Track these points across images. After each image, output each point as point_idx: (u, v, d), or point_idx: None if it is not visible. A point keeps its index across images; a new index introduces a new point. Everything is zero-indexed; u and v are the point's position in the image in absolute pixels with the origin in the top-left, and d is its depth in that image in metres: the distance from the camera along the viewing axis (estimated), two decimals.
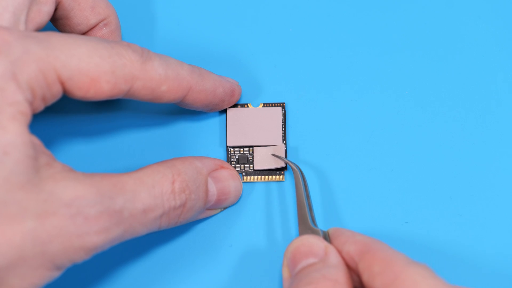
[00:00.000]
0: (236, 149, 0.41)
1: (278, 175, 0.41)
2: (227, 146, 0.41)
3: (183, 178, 0.35)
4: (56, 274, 0.31)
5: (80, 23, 0.38)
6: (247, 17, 0.43)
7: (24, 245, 0.29)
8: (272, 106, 0.42)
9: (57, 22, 0.38)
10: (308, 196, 0.39)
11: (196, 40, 0.43)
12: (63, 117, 0.42)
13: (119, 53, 0.33)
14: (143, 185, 0.33)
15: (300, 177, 0.39)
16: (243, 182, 0.41)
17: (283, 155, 0.40)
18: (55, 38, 0.31)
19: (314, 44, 0.43)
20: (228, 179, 0.38)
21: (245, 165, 0.41)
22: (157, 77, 0.34)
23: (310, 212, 0.38)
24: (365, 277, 0.32)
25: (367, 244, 0.33)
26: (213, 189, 0.37)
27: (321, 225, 0.40)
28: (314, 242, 0.35)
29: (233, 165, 0.41)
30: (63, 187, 0.30)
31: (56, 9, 0.37)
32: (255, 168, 0.40)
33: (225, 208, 0.40)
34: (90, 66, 0.32)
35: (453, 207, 0.40)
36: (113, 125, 0.42)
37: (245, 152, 0.41)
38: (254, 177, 0.41)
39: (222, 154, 0.41)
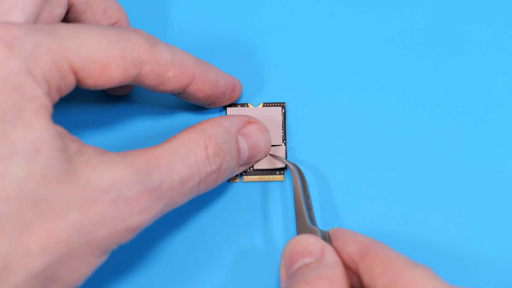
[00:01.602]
0: None
1: (277, 174, 0.41)
2: None
3: (215, 141, 0.35)
4: (103, 258, 0.31)
5: None
6: (247, 17, 0.43)
7: (71, 239, 0.29)
8: (272, 105, 0.42)
9: None
10: (306, 195, 0.39)
11: (198, 40, 0.43)
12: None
13: (127, 38, 0.33)
14: (177, 155, 0.33)
15: (297, 177, 0.39)
16: (242, 182, 0.41)
17: (284, 156, 0.40)
18: (63, 28, 0.31)
19: (314, 44, 0.43)
20: (257, 134, 0.38)
21: None
22: (164, 62, 0.34)
23: (309, 211, 0.38)
24: (366, 278, 0.32)
25: (367, 245, 0.33)
26: (244, 146, 0.37)
27: (320, 225, 0.40)
28: (310, 241, 0.35)
29: None
30: (100, 172, 0.30)
31: (68, 12, 0.37)
32: (255, 168, 0.40)
33: (257, 161, 0.40)
34: (100, 52, 0.32)
35: (453, 207, 0.40)
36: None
37: None
38: (254, 176, 0.41)
39: None
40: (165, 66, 0.35)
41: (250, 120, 0.38)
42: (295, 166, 0.39)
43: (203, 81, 0.37)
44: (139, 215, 0.31)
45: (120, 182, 0.30)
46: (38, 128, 0.29)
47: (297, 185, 0.38)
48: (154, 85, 0.35)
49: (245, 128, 0.38)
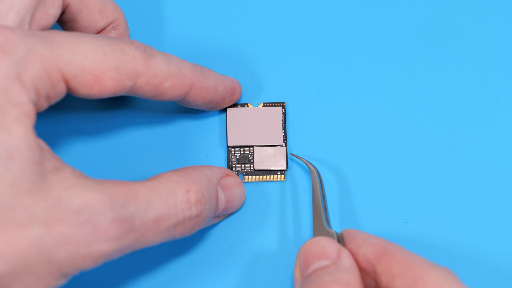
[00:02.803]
0: (236, 149, 0.41)
1: (278, 174, 0.41)
2: (228, 146, 0.41)
3: (198, 187, 0.34)
4: (62, 282, 0.30)
5: (88, 26, 0.38)
6: (247, 17, 0.43)
7: (30, 253, 0.28)
8: (272, 105, 0.42)
9: (65, 25, 0.38)
10: (324, 197, 0.38)
11: (198, 40, 0.43)
12: (64, 115, 0.42)
13: (122, 49, 0.32)
14: (157, 193, 0.32)
15: (317, 178, 0.38)
16: (244, 182, 0.40)
17: (284, 156, 0.40)
18: (58, 36, 0.31)
19: (314, 44, 0.43)
20: (234, 187, 0.38)
21: (246, 165, 0.41)
22: (160, 74, 0.34)
23: (325, 213, 0.38)
24: (384, 279, 0.31)
25: (384, 247, 0.33)
26: (222, 197, 0.37)
27: None
28: (327, 244, 0.34)
29: (234, 165, 0.41)
30: (73, 194, 0.29)
31: (64, 12, 0.37)
32: (256, 168, 0.40)
33: (229, 215, 0.40)
34: (94, 63, 0.31)
35: (453, 207, 0.40)
36: (114, 124, 0.42)
37: (245, 152, 0.41)
38: (255, 177, 0.41)
39: (222, 154, 0.41)
40: (161, 77, 0.34)
41: (228, 173, 0.38)
42: (315, 167, 0.39)
43: (202, 88, 0.37)
44: (105, 243, 0.30)
45: (91, 207, 0.29)
46: (17, 136, 0.28)
47: (317, 186, 0.38)
48: (151, 96, 0.35)
49: (224, 180, 0.38)
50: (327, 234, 0.36)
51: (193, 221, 0.34)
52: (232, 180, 0.38)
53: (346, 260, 0.34)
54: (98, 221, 0.29)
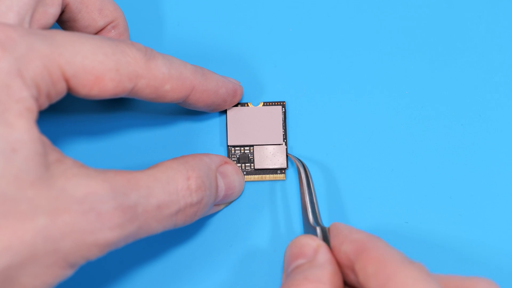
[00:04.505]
0: (236, 148, 0.41)
1: (279, 174, 0.41)
2: (228, 146, 0.41)
3: (197, 174, 0.34)
4: (69, 272, 0.30)
5: (88, 25, 0.38)
6: (247, 17, 0.43)
7: (36, 243, 0.28)
8: (272, 105, 0.42)
9: (64, 25, 0.38)
10: (312, 193, 0.38)
11: (198, 40, 0.43)
12: (66, 116, 0.41)
13: (123, 51, 0.33)
14: (157, 181, 0.33)
15: (303, 175, 0.39)
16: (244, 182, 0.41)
17: (285, 155, 0.40)
18: (59, 35, 0.31)
19: (314, 44, 0.43)
20: (233, 174, 0.38)
21: (246, 164, 0.41)
22: (160, 76, 0.34)
23: (312, 209, 0.38)
24: (361, 278, 0.31)
25: (363, 243, 0.32)
26: (221, 184, 0.37)
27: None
28: (305, 242, 0.34)
29: None
30: (75, 183, 0.29)
31: (63, 12, 0.37)
32: (256, 167, 0.40)
33: (229, 203, 0.40)
34: (95, 63, 0.31)
35: (453, 207, 0.40)
36: (115, 125, 0.42)
37: (245, 151, 0.41)
38: (255, 176, 0.41)
39: (222, 153, 0.41)
40: (162, 80, 0.34)
41: (226, 161, 0.38)
42: (301, 163, 0.39)
43: (203, 91, 0.37)
44: (109, 231, 0.30)
45: (94, 195, 0.30)
46: (20, 129, 0.29)
47: (302, 184, 0.38)
48: (151, 98, 0.35)
49: (223, 167, 0.38)
50: (311, 231, 0.36)
51: (194, 208, 0.34)
52: (231, 167, 0.38)
53: (322, 256, 0.34)
54: (102, 209, 0.30)
